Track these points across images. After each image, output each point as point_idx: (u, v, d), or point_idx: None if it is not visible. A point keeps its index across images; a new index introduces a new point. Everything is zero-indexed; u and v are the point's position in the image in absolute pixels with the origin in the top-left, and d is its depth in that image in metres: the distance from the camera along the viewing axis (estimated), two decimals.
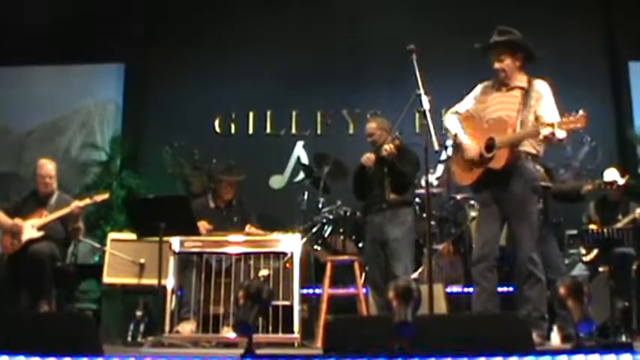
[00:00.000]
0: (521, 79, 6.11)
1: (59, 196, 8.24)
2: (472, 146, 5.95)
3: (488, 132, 5.90)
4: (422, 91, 5.63)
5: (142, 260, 7.95)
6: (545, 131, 5.56)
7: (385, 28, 10.68)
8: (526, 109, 5.94)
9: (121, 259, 7.99)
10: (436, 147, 5.50)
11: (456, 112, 6.22)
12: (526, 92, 6.03)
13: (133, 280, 7.99)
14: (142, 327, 7.94)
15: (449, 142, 6.58)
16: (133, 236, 7.69)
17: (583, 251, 8.26)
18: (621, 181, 8.16)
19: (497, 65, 6.08)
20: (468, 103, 6.20)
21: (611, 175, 8.22)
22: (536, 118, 5.90)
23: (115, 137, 11.10)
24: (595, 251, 8.13)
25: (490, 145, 5.88)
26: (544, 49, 10.79)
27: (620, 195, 8.37)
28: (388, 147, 7.00)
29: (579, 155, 10.22)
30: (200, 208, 7.90)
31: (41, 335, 4.06)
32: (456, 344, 3.87)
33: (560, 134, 5.58)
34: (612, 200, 8.41)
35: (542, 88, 6.06)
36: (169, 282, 7.01)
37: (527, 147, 5.93)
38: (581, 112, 5.55)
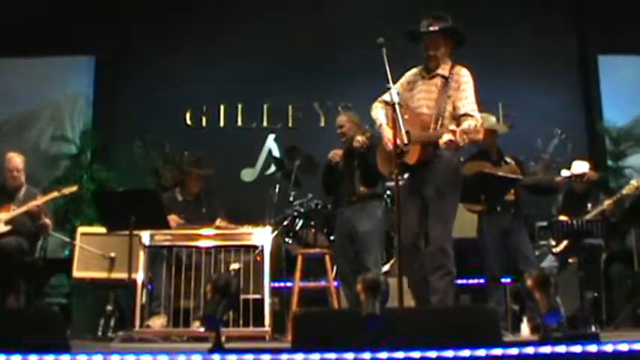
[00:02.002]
0: (444, 67, 6.05)
1: (27, 189, 8.21)
2: (391, 140, 5.74)
3: (408, 124, 5.64)
4: (392, 84, 5.60)
5: (113, 254, 7.94)
6: (445, 137, 5.51)
7: (357, 20, 10.70)
8: (444, 100, 5.93)
9: (91, 253, 7.97)
10: (405, 140, 5.45)
11: (384, 101, 6.09)
12: (446, 81, 5.99)
13: (103, 275, 7.97)
14: (112, 321, 7.91)
15: None
16: (103, 230, 7.65)
17: (553, 242, 8.30)
18: (593, 176, 8.23)
19: (432, 52, 6.02)
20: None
21: (581, 167, 8.27)
22: (454, 108, 5.89)
23: (85, 130, 11.01)
24: (565, 242, 8.18)
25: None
26: (515, 42, 11.06)
27: (586, 187, 8.44)
28: (360, 139, 7.02)
29: (549, 148, 10.28)
30: (168, 202, 7.88)
31: (7, 332, 4.02)
32: (425, 337, 3.88)
33: (462, 141, 5.48)
34: (580, 192, 8.48)
35: (462, 77, 5.99)
36: (139, 276, 6.97)
37: (448, 147, 5.75)
38: (479, 126, 5.50)
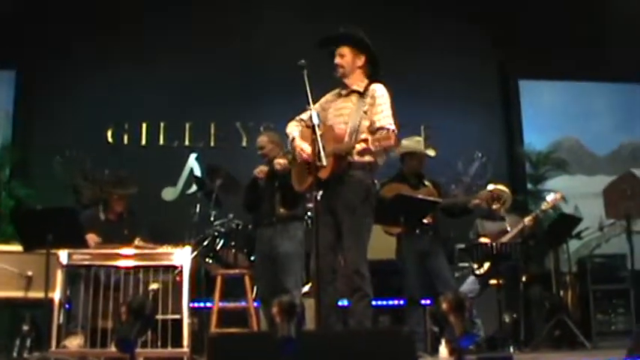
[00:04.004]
0: (359, 84, 6.02)
1: None
2: (305, 149, 5.80)
3: (322, 139, 5.59)
4: (312, 106, 5.61)
5: (30, 273, 7.75)
6: (358, 146, 5.48)
7: (279, 41, 10.69)
8: (359, 115, 5.85)
9: (7, 271, 7.79)
10: (324, 162, 5.44)
11: (300, 120, 6.12)
12: (361, 96, 5.95)
13: (19, 294, 7.78)
14: (28, 342, 7.74)
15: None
16: (19, 248, 7.49)
17: (475, 265, 8.40)
18: (499, 191, 8.31)
19: (337, 60, 6.01)
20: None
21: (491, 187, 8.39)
22: (371, 124, 5.81)
23: (4, 146, 10.80)
24: (487, 264, 8.28)
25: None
26: (436, 65, 11.21)
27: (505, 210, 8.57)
28: (282, 161, 7.01)
29: (470, 171, 10.42)
30: (90, 220, 7.78)
31: None
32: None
33: (374, 148, 5.42)
34: (498, 215, 8.60)
35: (376, 92, 5.93)
36: (57, 295, 6.84)
37: (362, 156, 5.71)
38: (391, 132, 5.51)
